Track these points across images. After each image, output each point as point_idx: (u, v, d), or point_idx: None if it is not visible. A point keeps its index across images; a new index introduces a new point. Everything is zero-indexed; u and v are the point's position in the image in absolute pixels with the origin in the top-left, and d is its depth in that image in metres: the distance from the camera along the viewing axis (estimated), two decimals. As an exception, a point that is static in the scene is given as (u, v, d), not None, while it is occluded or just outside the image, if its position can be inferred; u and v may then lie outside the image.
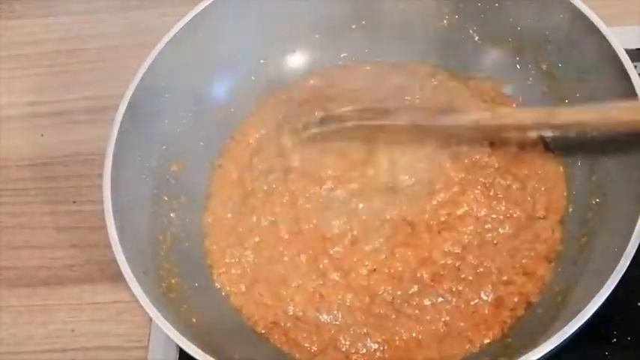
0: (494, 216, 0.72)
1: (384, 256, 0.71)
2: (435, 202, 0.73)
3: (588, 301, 0.59)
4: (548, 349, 0.58)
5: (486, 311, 0.68)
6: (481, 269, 0.70)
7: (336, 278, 0.71)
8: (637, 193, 0.64)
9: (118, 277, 0.65)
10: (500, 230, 0.72)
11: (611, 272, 0.60)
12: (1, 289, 0.79)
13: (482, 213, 0.72)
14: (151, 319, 0.67)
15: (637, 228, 0.61)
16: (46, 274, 0.80)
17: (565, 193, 0.73)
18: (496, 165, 0.74)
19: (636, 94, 0.66)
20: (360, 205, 0.74)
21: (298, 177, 0.76)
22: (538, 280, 0.69)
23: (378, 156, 0.76)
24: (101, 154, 0.70)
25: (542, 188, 0.73)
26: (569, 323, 0.59)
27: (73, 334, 0.77)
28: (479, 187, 0.73)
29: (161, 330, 0.62)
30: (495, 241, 0.71)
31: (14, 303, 0.79)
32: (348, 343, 0.69)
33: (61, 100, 0.90)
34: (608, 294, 0.59)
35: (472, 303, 0.69)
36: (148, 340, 0.75)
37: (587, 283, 0.63)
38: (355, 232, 0.73)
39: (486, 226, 0.72)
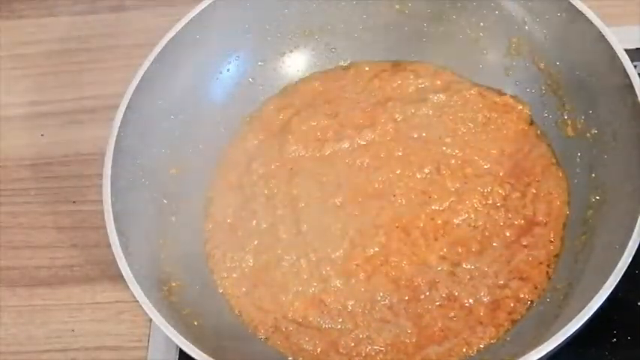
0: (493, 224, 0.72)
1: (379, 262, 0.72)
2: (430, 211, 0.73)
3: (590, 299, 0.59)
4: (551, 348, 0.58)
5: (482, 314, 0.69)
6: (477, 273, 0.70)
7: (337, 284, 0.71)
8: (637, 189, 0.64)
9: (118, 277, 0.65)
10: (500, 237, 0.72)
11: (613, 269, 0.60)
12: (1, 289, 0.80)
13: (481, 222, 0.73)
14: (151, 319, 0.67)
15: (638, 224, 0.61)
16: (46, 274, 0.80)
17: (567, 199, 0.73)
18: (494, 174, 0.75)
19: (635, 94, 0.66)
20: (357, 212, 0.74)
21: (302, 181, 0.76)
22: (535, 284, 0.69)
23: (377, 165, 0.76)
24: (101, 154, 0.70)
25: (543, 195, 0.73)
26: (572, 321, 0.59)
27: (73, 334, 0.77)
28: (476, 197, 0.73)
29: (161, 330, 0.62)
30: (494, 247, 0.71)
31: (14, 303, 0.79)
32: (349, 347, 0.69)
33: (61, 100, 0.90)
34: (610, 291, 0.59)
35: (467, 306, 0.69)
36: (148, 340, 0.75)
37: (589, 281, 0.63)
38: (354, 238, 0.73)
39: (485, 234, 0.72)
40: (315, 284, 0.71)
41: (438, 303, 0.69)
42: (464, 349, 0.67)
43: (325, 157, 0.78)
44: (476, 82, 0.80)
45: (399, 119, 0.79)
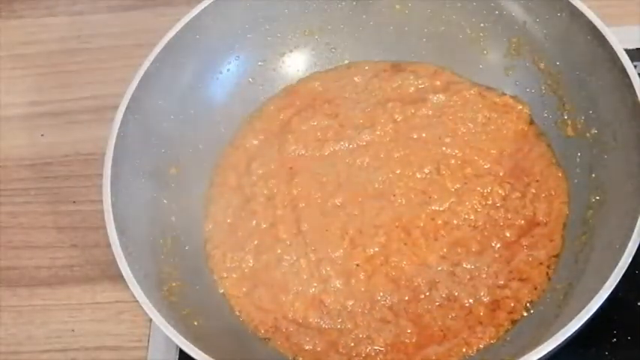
0: (493, 224, 0.72)
1: (379, 262, 0.72)
2: (430, 211, 0.73)
3: (590, 299, 0.59)
4: (551, 348, 0.58)
5: (481, 314, 0.69)
6: (477, 273, 0.70)
7: (337, 284, 0.71)
8: (637, 189, 0.64)
9: (118, 277, 0.66)
10: (500, 237, 0.72)
11: (613, 269, 0.60)
12: (1, 289, 0.80)
13: (481, 222, 0.73)
14: (151, 320, 0.67)
15: (638, 224, 0.61)
16: (46, 274, 0.80)
17: (567, 199, 0.73)
18: (494, 174, 0.75)
19: (635, 94, 0.66)
20: (357, 212, 0.74)
21: (302, 181, 0.76)
22: (535, 285, 0.69)
23: (377, 165, 0.77)
24: (101, 153, 0.70)
25: (543, 195, 0.73)
26: (572, 321, 0.59)
27: (73, 334, 0.77)
28: (476, 197, 0.74)
29: (161, 330, 0.62)
30: (494, 247, 0.71)
31: (14, 303, 0.79)
32: (349, 347, 0.69)
33: (61, 100, 0.90)
34: (610, 291, 0.59)
35: (467, 306, 0.69)
36: (148, 340, 0.75)
37: (589, 281, 0.63)
38: (354, 238, 0.73)
39: (485, 234, 0.72)
40: (315, 284, 0.71)
41: (437, 303, 0.69)
42: (464, 349, 0.67)
43: (325, 157, 0.78)
44: (476, 82, 0.80)
45: (398, 119, 0.79)
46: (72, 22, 0.95)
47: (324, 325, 0.70)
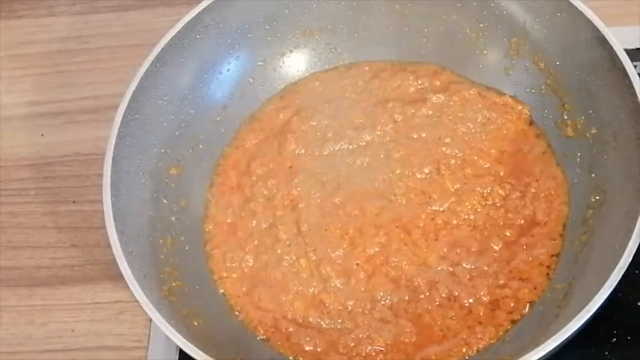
0: (493, 224, 0.72)
1: (379, 262, 0.72)
2: (430, 211, 0.73)
3: (590, 299, 0.59)
4: (551, 348, 0.58)
5: (481, 314, 0.69)
6: (477, 273, 0.70)
7: (337, 284, 0.71)
8: (637, 189, 0.64)
9: (118, 277, 0.66)
10: (500, 237, 0.72)
11: (613, 269, 0.60)
12: (1, 289, 0.80)
13: (480, 222, 0.73)
14: (151, 320, 0.67)
15: (638, 224, 0.61)
16: (46, 274, 0.80)
17: (567, 199, 0.73)
18: (494, 174, 0.75)
19: (635, 94, 0.66)
20: (357, 212, 0.74)
21: (302, 182, 0.76)
22: (535, 284, 0.69)
23: (377, 165, 0.77)
24: (101, 154, 0.70)
25: (543, 195, 0.73)
26: (572, 321, 0.59)
27: (73, 334, 0.77)
28: (476, 197, 0.74)
29: (161, 330, 0.62)
30: (494, 247, 0.71)
31: (14, 303, 0.79)
32: (349, 347, 0.69)
33: (61, 100, 0.90)
34: (610, 291, 0.59)
35: (467, 306, 0.69)
36: (148, 340, 0.75)
37: (589, 281, 0.63)
38: (354, 238, 0.73)
39: (485, 234, 0.72)
40: (315, 284, 0.71)
41: (437, 303, 0.69)
42: (463, 349, 0.67)
43: (325, 157, 0.78)
44: (476, 82, 0.80)
45: (398, 119, 0.79)
46: (72, 22, 0.95)
47: (324, 325, 0.70)
